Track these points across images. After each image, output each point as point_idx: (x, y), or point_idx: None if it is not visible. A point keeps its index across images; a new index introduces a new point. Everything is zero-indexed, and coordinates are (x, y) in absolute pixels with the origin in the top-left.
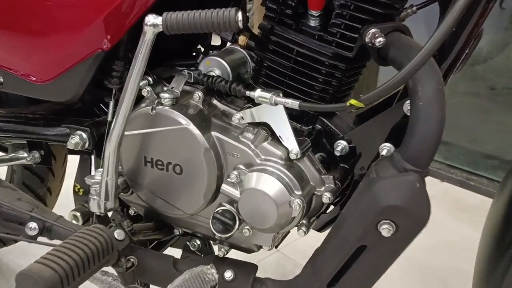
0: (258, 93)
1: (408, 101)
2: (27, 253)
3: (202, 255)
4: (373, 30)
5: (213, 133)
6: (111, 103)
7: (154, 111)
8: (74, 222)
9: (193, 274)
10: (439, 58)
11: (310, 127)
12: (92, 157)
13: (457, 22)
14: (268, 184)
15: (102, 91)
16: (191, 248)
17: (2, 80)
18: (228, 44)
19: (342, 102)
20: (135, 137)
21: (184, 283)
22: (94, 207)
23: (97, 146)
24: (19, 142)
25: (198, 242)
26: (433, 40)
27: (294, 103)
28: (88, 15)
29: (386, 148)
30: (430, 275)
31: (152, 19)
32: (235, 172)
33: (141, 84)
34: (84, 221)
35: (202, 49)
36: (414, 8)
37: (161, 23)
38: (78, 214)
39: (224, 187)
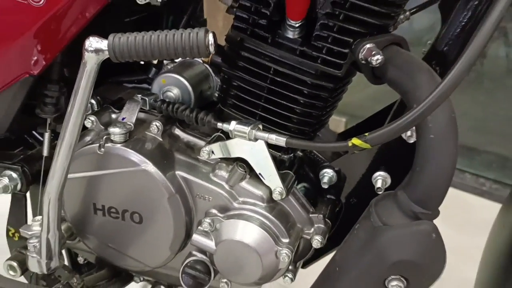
0: (233, 127)
1: None
2: None
3: None
4: (369, 45)
5: (177, 172)
6: (46, 135)
7: (102, 149)
8: (11, 273)
9: None
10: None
11: (291, 154)
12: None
13: (479, 54)
14: (250, 233)
15: (34, 118)
16: None
17: None
18: None
19: (342, 141)
20: (79, 181)
21: None
22: (34, 267)
23: (31, 185)
24: None
25: None
26: (456, 72)
27: (279, 140)
28: (11, 33)
29: (380, 178)
30: None
31: (95, 43)
32: (208, 220)
33: None
34: (23, 271)
35: (154, 61)
36: (408, 13)
37: (106, 49)
38: (14, 264)
39: (196, 238)
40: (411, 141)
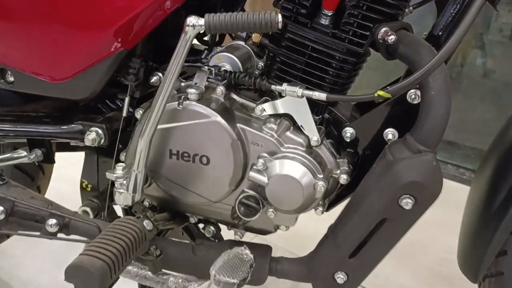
0: (285, 87)
1: (411, 91)
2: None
3: (216, 240)
4: (385, 28)
5: (238, 125)
6: (127, 99)
7: (181, 106)
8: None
9: (231, 256)
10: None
11: (320, 116)
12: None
13: (469, 28)
14: (294, 169)
15: (112, 88)
16: (206, 235)
17: (12, 79)
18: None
19: (370, 93)
20: (161, 131)
21: (226, 264)
22: (121, 201)
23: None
24: (17, 141)
25: (213, 228)
26: (452, 41)
27: (321, 95)
28: (116, 15)
29: (390, 133)
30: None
31: (194, 21)
32: (261, 160)
33: (153, 80)
34: (95, 215)
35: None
36: (411, 8)
37: (203, 24)
38: (88, 209)
39: (252, 174)
40: (415, 102)
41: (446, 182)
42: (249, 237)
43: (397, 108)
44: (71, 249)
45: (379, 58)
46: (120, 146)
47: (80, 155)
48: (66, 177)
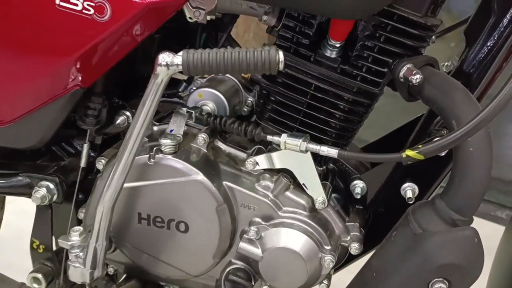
0: (285, 139)
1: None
2: None
3: None
4: (409, 65)
5: (224, 182)
6: (85, 147)
7: (152, 160)
8: (35, 286)
9: None
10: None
11: (324, 167)
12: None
13: None
14: (296, 240)
15: (68, 129)
16: None
17: None
18: None
19: (396, 153)
20: (128, 190)
21: None
22: (76, 277)
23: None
24: None
25: None
26: (505, 94)
27: (331, 152)
28: (71, 47)
29: (409, 189)
30: None
31: (168, 58)
32: (254, 228)
33: (119, 121)
34: (48, 283)
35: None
36: (433, 37)
37: (180, 63)
38: (39, 276)
39: (242, 245)
40: (443, 154)
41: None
42: None
43: None
44: None
45: None
46: (80, 196)
47: None
48: (24, 210)
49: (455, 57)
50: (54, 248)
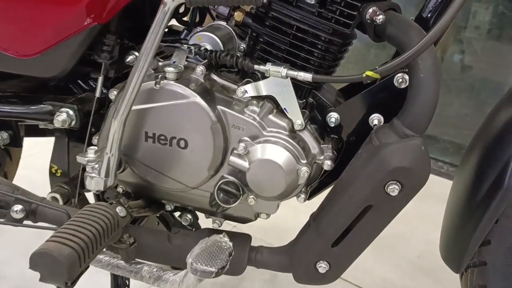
0: (269, 67)
1: (398, 75)
2: None
3: (193, 229)
4: (373, 8)
5: (218, 106)
6: (100, 79)
7: (158, 85)
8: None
9: (209, 243)
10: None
11: (304, 100)
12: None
13: (459, 10)
14: (277, 154)
15: (85, 66)
16: (183, 223)
17: None
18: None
19: (358, 74)
20: (136, 112)
21: (203, 252)
22: (92, 185)
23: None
24: None
25: (190, 216)
26: (441, 23)
27: (307, 76)
28: None
29: (376, 118)
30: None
31: None
32: (242, 144)
33: (128, 59)
34: (64, 202)
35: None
36: None
37: None
38: (57, 196)
39: (232, 159)
40: (402, 87)
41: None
42: (227, 227)
43: (384, 93)
44: (39, 240)
45: (359, 51)
46: (92, 129)
47: (51, 143)
48: (37, 166)
49: None
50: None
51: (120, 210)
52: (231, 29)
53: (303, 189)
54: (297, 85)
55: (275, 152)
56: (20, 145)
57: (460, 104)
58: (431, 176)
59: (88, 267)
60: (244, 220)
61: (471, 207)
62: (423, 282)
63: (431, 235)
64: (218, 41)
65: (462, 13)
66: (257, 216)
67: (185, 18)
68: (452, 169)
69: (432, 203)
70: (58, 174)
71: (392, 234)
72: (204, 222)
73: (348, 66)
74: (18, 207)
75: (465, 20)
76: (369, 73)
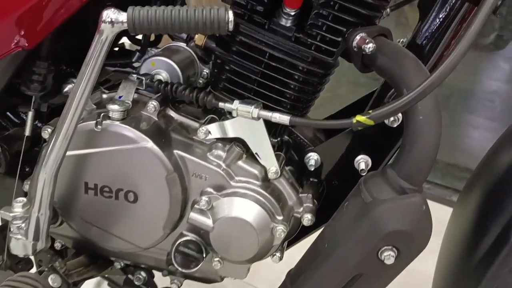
0: (237, 106)
1: None
2: None
3: None
4: (362, 34)
5: (175, 151)
6: (30, 114)
7: (99, 126)
8: None
9: None
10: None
11: (279, 139)
12: None
13: (473, 42)
14: (248, 209)
15: (11, 97)
16: (136, 283)
17: None
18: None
19: (346, 119)
20: (72, 159)
21: None
22: (18, 250)
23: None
24: None
25: (144, 274)
26: (452, 59)
27: (283, 118)
28: (10, 5)
29: (363, 161)
30: None
31: (112, 15)
32: (205, 198)
33: (66, 89)
34: None
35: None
36: (388, 10)
37: (125, 20)
38: None
39: (193, 216)
40: (395, 125)
41: None
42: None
43: (371, 131)
44: None
45: (352, 68)
46: (26, 169)
47: None
48: None
49: (410, 33)
50: None
51: (54, 280)
52: (191, 51)
53: (279, 248)
54: (271, 122)
55: (245, 208)
56: None
57: (447, 124)
58: None
59: None
60: (208, 281)
61: (471, 261)
62: None
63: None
64: (176, 67)
65: None
66: (223, 277)
67: (138, 37)
68: (427, 186)
69: None
70: None
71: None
72: (161, 280)
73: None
74: None
75: None
76: (360, 118)
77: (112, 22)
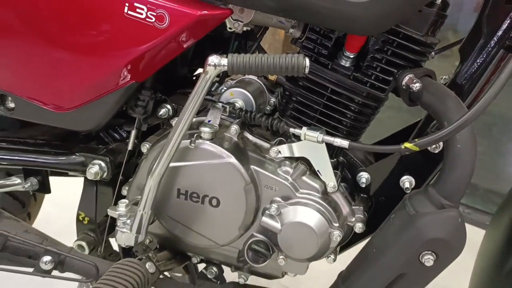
0: (305, 131)
1: None
2: None
3: (218, 282)
4: (410, 75)
5: (251, 166)
6: (133, 132)
7: (193, 144)
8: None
9: None
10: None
11: (335, 159)
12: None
13: (504, 85)
14: (310, 216)
15: (118, 118)
16: (208, 276)
17: (13, 105)
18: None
19: (396, 145)
20: (171, 169)
21: None
22: (123, 241)
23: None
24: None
25: (215, 269)
26: (487, 98)
27: (343, 143)
28: (130, 48)
29: (407, 181)
30: None
31: (216, 60)
32: (275, 205)
33: (161, 112)
34: (90, 250)
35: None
36: (433, 53)
37: (226, 64)
38: (84, 243)
39: (265, 219)
40: (436, 151)
41: None
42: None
43: (416, 155)
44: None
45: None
46: (121, 177)
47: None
48: (51, 198)
49: (452, 72)
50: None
51: (150, 266)
52: (261, 83)
53: (333, 251)
54: (329, 144)
55: (307, 215)
56: (48, 191)
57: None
58: None
59: None
60: (270, 277)
61: (498, 275)
62: None
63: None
64: (250, 96)
65: None
66: (284, 273)
67: None
68: (467, 211)
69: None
70: (85, 222)
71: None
72: (230, 275)
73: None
74: (47, 258)
75: None
76: (408, 145)
77: (215, 65)
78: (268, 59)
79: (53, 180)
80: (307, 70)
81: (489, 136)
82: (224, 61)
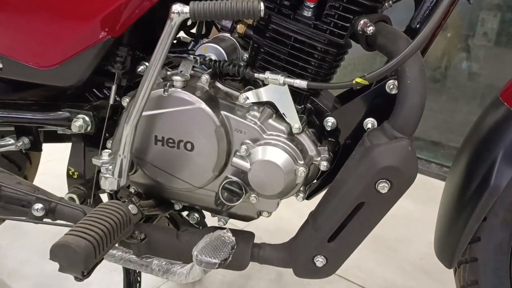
0: (268, 75)
1: (390, 81)
2: None
3: (200, 227)
4: (364, 20)
5: (222, 112)
6: (113, 87)
7: (166, 92)
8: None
9: (213, 238)
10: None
11: (302, 106)
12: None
13: (442, 19)
14: (276, 155)
15: (99, 76)
16: (191, 222)
17: (1, 66)
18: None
19: (349, 81)
20: (146, 118)
21: (207, 245)
22: (107, 185)
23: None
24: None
25: (197, 215)
26: (425, 31)
27: (302, 83)
28: (103, 3)
29: (370, 122)
30: (380, 243)
31: (179, 8)
32: (244, 147)
33: (139, 69)
34: (81, 202)
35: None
36: (390, 2)
37: (188, 11)
38: (74, 196)
39: (235, 160)
40: (393, 93)
41: (430, 180)
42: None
43: (377, 99)
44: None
45: (366, 60)
46: (106, 134)
47: (68, 150)
48: (54, 171)
49: None
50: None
51: (132, 208)
52: (234, 40)
53: (301, 188)
54: (296, 92)
55: (274, 154)
56: (40, 149)
57: (467, 111)
58: (435, 180)
59: (102, 259)
60: (247, 218)
61: (461, 206)
62: (425, 283)
63: (432, 238)
64: (222, 51)
65: (469, 21)
66: (259, 214)
67: (192, 31)
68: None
69: (435, 206)
70: (75, 176)
71: (396, 237)
72: (211, 220)
73: (357, 74)
74: (38, 205)
75: (473, 28)
76: (358, 80)
77: (179, 13)
78: (226, 4)
79: (55, 155)
80: (262, 13)
81: (481, 104)
82: (186, 8)
